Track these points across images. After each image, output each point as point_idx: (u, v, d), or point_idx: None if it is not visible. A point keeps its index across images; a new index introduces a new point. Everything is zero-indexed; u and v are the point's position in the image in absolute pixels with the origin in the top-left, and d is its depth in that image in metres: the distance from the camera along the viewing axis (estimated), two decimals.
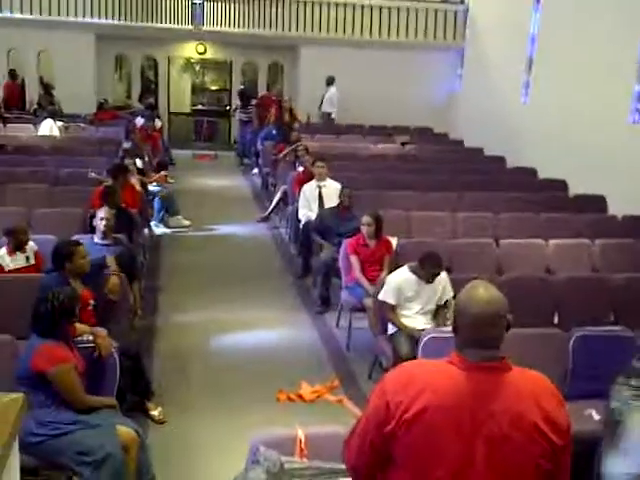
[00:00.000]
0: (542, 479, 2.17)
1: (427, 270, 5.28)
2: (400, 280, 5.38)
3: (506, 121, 12.69)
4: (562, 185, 10.02)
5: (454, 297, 5.15)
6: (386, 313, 5.43)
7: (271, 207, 10.45)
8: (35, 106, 14.53)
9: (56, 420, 3.74)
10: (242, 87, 16.13)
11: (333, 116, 15.01)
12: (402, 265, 5.61)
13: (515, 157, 11.76)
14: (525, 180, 10.63)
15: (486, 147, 12.89)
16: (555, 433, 2.15)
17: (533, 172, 11.00)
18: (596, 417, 4.26)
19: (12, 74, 15.09)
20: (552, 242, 7.22)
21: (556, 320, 5.88)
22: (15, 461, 2.16)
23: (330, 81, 14.73)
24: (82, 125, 12.87)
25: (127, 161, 8.91)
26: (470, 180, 10.01)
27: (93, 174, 8.34)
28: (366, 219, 6.49)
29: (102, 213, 5.97)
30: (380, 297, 5.44)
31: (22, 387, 3.59)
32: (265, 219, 10.46)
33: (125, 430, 3.85)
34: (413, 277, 5.36)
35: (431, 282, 5.34)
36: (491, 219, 8.10)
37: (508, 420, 2.12)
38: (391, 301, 5.36)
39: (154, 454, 4.20)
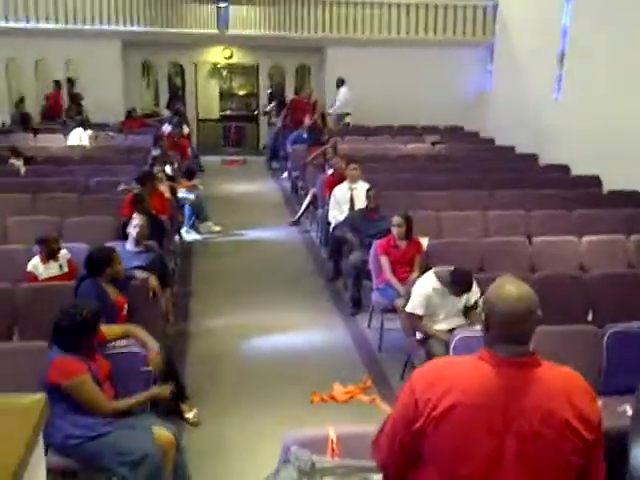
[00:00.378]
0: (574, 475, 2.16)
1: (458, 289, 5.20)
2: (428, 290, 5.31)
3: (538, 118, 12.53)
4: (596, 181, 9.87)
5: (481, 295, 5.14)
6: (415, 324, 5.38)
7: (301, 211, 10.46)
8: (64, 117, 14.74)
9: (91, 423, 3.76)
10: (270, 90, 16.18)
11: (348, 120, 14.93)
12: (430, 267, 5.57)
13: (547, 154, 11.62)
14: (558, 177, 10.49)
15: (518, 145, 12.76)
16: (587, 430, 2.13)
17: (566, 169, 10.85)
18: (630, 413, 4.20)
19: (57, 84, 15.29)
20: (586, 239, 7.11)
21: (590, 317, 5.81)
22: (40, 462, 2.17)
23: (340, 83, 14.68)
24: (111, 134, 12.99)
25: (156, 168, 8.98)
26: (501, 178, 9.91)
27: (123, 186, 8.40)
28: (396, 220, 6.45)
29: (136, 220, 6.01)
30: (408, 309, 5.38)
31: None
32: (296, 223, 10.47)
33: (162, 432, 3.87)
34: (439, 285, 5.28)
35: (459, 296, 5.28)
36: (523, 217, 8.01)
37: (539, 417, 2.10)
38: (419, 312, 5.30)
39: (189, 456, 4.22)
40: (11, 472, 1.79)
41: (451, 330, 5.10)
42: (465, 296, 5.31)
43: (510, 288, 2.21)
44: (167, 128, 12.97)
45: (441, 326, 5.29)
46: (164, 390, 4.15)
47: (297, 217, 10.52)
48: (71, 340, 3.83)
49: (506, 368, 2.15)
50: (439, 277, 5.29)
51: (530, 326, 2.19)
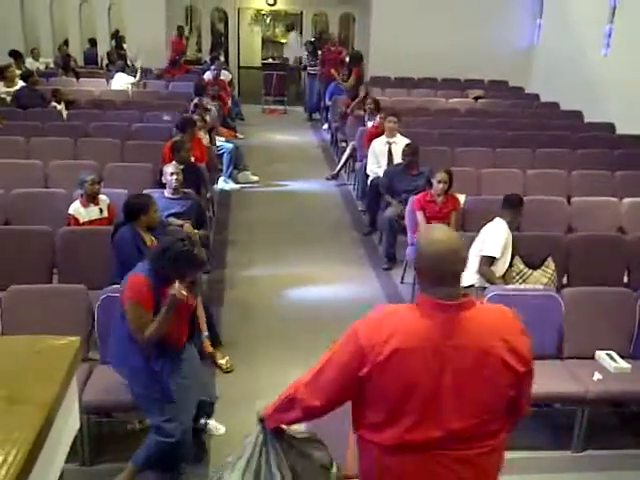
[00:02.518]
0: (506, 405, 2.34)
1: (517, 214, 5.47)
2: (505, 234, 5.36)
3: (585, 74, 12.19)
4: None
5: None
6: (484, 268, 5.34)
7: (340, 164, 10.35)
8: (106, 61, 14.77)
9: (154, 382, 3.78)
10: (312, 39, 15.95)
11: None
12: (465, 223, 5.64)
13: (593, 112, 11.33)
14: (602, 136, 10.23)
15: (563, 102, 12.46)
16: (519, 362, 2.28)
17: (611, 128, 10.60)
18: None
19: (180, 30, 15.38)
20: (626, 200, 6.99)
21: (626, 279, 5.75)
22: (74, 400, 2.26)
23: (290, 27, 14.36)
24: (151, 81, 12.95)
25: (196, 116, 8.97)
26: (544, 136, 9.70)
27: (166, 117, 8.42)
28: (442, 176, 6.41)
29: (170, 169, 6.05)
30: (488, 253, 5.35)
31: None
32: (334, 177, 10.40)
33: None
34: (507, 227, 5.39)
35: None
36: (564, 176, 7.89)
37: (473, 354, 2.24)
38: (497, 255, 5.34)
39: (221, 402, 4.32)
40: (46, 410, 1.86)
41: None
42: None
43: (436, 233, 2.36)
44: (209, 75, 12.91)
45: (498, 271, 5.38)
46: (178, 290, 3.74)
47: (336, 171, 10.43)
48: (164, 267, 3.74)
49: (440, 311, 2.27)
50: (503, 219, 5.44)
51: (458, 267, 2.32)
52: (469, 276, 5.27)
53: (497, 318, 2.36)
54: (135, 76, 12.27)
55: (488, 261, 5.31)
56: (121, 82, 12.06)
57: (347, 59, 13.75)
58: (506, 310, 2.41)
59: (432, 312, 2.28)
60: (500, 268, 5.35)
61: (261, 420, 2.67)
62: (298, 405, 2.48)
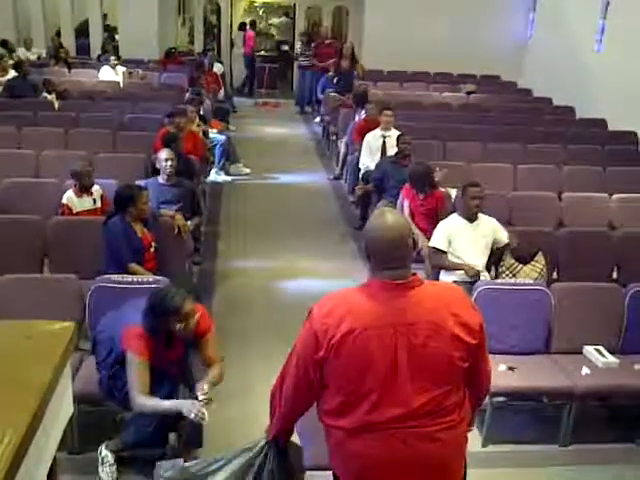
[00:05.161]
0: (462, 375, 2.42)
1: (467, 196, 5.29)
2: (449, 225, 5.37)
3: (577, 70, 12.21)
4: (633, 138, 9.67)
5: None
6: (438, 260, 5.39)
7: (340, 163, 10.07)
8: (98, 51, 14.70)
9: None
10: (305, 32, 15.91)
11: None
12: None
13: (585, 108, 11.36)
14: (594, 132, 10.28)
15: (555, 97, 12.50)
16: (469, 335, 2.37)
17: (603, 123, 10.64)
18: None
19: (253, 24, 15.51)
20: (616, 196, 7.04)
21: (615, 275, 5.80)
22: (67, 386, 2.27)
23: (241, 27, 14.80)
24: (140, 72, 12.86)
25: (190, 108, 8.91)
26: (536, 131, 9.73)
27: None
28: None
29: (164, 154, 6.04)
30: (431, 244, 5.43)
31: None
32: (338, 177, 10.09)
33: None
34: (462, 221, 5.35)
35: (475, 220, 5.32)
36: (555, 172, 7.92)
37: (425, 330, 2.32)
38: (442, 247, 5.34)
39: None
40: (41, 394, 1.87)
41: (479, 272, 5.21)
42: (490, 232, 5.37)
43: (383, 218, 2.42)
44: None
45: (472, 262, 5.30)
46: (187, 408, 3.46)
47: (338, 172, 10.10)
48: (151, 321, 3.62)
49: (391, 291, 2.35)
50: (459, 214, 5.40)
51: (405, 251, 2.39)
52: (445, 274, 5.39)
53: (447, 295, 2.47)
54: (127, 67, 12.26)
55: (439, 252, 5.35)
56: (107, 76, 12.00)
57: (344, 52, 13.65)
58: (457, 288, 2.55)
59: (382, 292, 2.36)
60: (471, 261, 5.28)
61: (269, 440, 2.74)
62: (275, 401, 2.59)
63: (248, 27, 15.91)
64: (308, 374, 2.41)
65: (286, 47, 17.79)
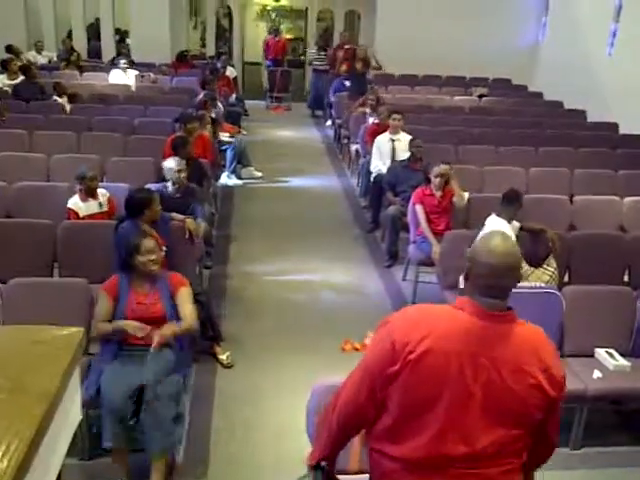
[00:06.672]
0: (533, 427, 2.22)
1: (517, 209, 5.47)
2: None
3: (589, 73, 12.17)
4: None
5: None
6: None
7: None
8: (110, 54, 14.74)
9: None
10: (319, 35, 15.93)
11: None
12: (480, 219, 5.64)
13: (597, 111, 11.32)
14: (605, 135, 10.22)
15: (567, 100, 12.44)
16: (551, 386, 2.18)
17: (615, 127, 10.59)
18: None
19: (276, 31, 15.60)
20: (627, 199, 7.01)
21: (627, 278, 5.77)
22: (76, 391, 2.26)
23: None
24: (152, 75, 12.85)
25: (201, 111, 8.91)
26: (547, 134, 9.72)
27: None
28: (444, 168, 6.43)
29: (174, 164, 5.92)
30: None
31: None
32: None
33: None
34: (506, 224, 5.38)
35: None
36: (566, 175, 7.90)
37: (508, 370, 2.14)
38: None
39: (223, 397, 4.33)
40: (48, 400, 1.87)
41: None
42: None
43: (497, 242, 2.21)
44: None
45: None
46: (131, 326, 3.93)
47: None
48: (118, 259, 4.26)
49: (482, 319, 2.17)
50: (499, 215, 5.48)
51: (511, 282, 2.21)
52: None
53: (536, 338, 2.25)
54: (139, 70, 12.30)
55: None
56: (117, 79, 12.05)
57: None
58: (541, 330, 2.30)
59: (473, 318, 2.17)
60: None
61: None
62: (326, 419, 2.36)
63: (267, 34, 15.74)
64: (373, 390, 2.22)
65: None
